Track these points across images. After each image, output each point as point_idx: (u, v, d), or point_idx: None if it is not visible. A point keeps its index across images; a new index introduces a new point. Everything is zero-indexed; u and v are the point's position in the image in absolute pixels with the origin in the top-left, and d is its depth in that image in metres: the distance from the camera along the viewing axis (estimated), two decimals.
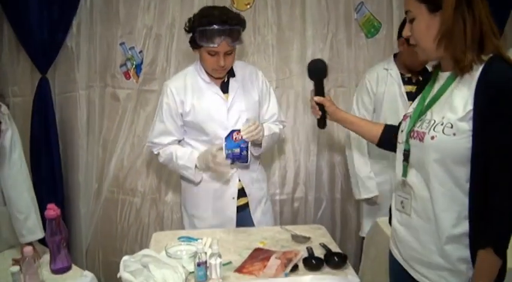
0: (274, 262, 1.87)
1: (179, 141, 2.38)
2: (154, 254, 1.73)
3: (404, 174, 1.53)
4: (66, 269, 1.93)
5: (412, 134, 1.49)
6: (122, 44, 2.98)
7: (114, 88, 3.05)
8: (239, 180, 2.37)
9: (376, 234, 2.38)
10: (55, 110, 2.98)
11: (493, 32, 1.36)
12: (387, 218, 2.41)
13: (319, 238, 2.15)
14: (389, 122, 2.57)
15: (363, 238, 2.75)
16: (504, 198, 1.30)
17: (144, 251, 1.74)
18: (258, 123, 2.25)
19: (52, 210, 1.86)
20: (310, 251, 2.00)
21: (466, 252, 1.39)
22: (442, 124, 1.38)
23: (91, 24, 2.94)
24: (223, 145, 2.17)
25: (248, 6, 3.01)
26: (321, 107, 1.86)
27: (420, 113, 1.50)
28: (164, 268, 1.69)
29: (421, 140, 1.44)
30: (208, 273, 1.75)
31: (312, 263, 1.91)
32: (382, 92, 2.67)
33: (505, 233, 1.33)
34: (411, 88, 2.64)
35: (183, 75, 2.32)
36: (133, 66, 3.01)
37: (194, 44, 2.20)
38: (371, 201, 2.81)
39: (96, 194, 3.17)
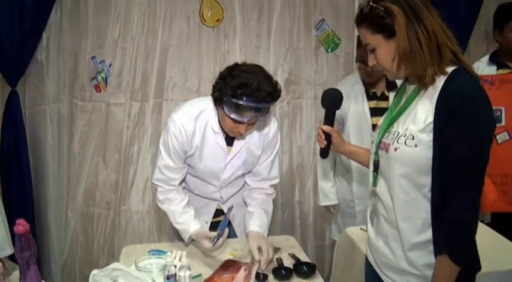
0: (242, 274, 1.89)
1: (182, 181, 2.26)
2: (123, 268, 1.73)
3: (375, 183, 1.58)
4: None
5: (380, 145, 1.54)
6: (92, 57, 3.01)
7: (83, 101, 3.07)
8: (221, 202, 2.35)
9: (345, 243, 2.42)
10: (25, 123, 2.96)
11: (448, 38, 1.41)
12: (357, 227, 2.49)
13: (289, 248, 2.18)
14: (352, 138, 2.73)
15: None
16: (459, 206, 1.34)
17: (114, 265, 1.74)
18: (271, 248, 2.04)
19: (21, 226, 1.83)
20: (280, 261, 2.03)
21: (432, 258, 1.42)
22: (404, 136, 1.42)
23: (61, 37, 2.95)
24: (218, 230, 2.00)
25: (218, 23, 3.10)
26: (327, 136, 1.78)
27: (388, 125, 1.54)
28: (133, 281, 1.70)
29: (387, 151, 1.48)
30: None
31: (281, 273, 1.94)
32: (347, 107, 2.72)
33: (461, 241, 1.37)
34: (375, 104, 2.72)
35: (194, 117, 2.07)
36: (104, 79, 3.03)
37: (219, 104, 1.97)
38: (329, 209, 2.95)
39: (70, 208, 3.16)
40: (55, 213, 3.12)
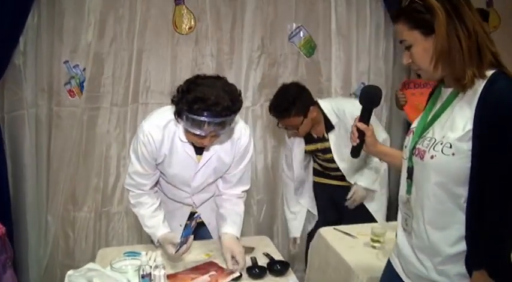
0: (205, 279, 1.91)
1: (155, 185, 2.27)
2: (99, 268, 1.76)
3: (409, 191, 1.50)
4: None
5: (414, 151, 1.47)
6: (65, 62, 3.04)
7: (60, 106, 3.09)
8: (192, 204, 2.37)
9: (319, 244, 2.47)
10: (3, 128, 2.96)
11: (489, 39, 1.34)
12: (331, 228, 2.55)
13: (263, 248, 2.23)
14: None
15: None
16: (499, 221, 1.29)
17: (89, 265, 1.76)
18: (244, 254, 2.07)
19: None
20: (253, 260, 2.07)
21: (463, 268, 1.38)
22: (441, 143, 1.35)
23: (38, 42, 2.95)
24: (180, 238, 2.01)
25: (190, 31, 3.18)
26: (361, 135, 1.70)
27: (423, 130, 1.47)
28: (109, 281, 1.73)
29: (422, 158, 1.41)
30: None
31: (255, 272, 1.98)
32: (296, 152, 2.89)
33: (499, 256, 1.31)
34: (314, 146, 2.85)
35: (162, 126, 2.06)
36: (78, 84, 3.07)
37: (178, 117, 1.92)
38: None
39: (50, 212, 3.17)
40: (34, 218, 3.12)
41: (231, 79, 3.11)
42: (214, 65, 3.20)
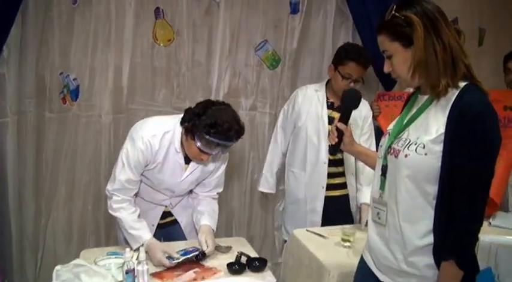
0: (189, 275, 2.02)
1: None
2: (85, 264, 1.83)
3: (382, 187, 1.62)
4: None
5: (389, 150, 1.58)
6: (61, 73, 3.13)
7: (52, 113, 3.16)
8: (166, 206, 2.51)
9: (293, 244, 2.58)
10: None
11: (463, 53, 1.47)
12: (303, 229, 2.66)
13: (240, 247, 2.34)
14: (310, 140, 2.92)
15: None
16: (465, 217, 1.41)
17: (76, 261, 1.83)
18: (214, 244, 2.28)
19: None
20: (239, 255, 2.19)
21: (431, 260, 1.49)
22: (415, 144, 1.48)
23: (22, 50, 2.98)
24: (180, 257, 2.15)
25: (169, 42, 3.31)
26: (340, 134, 1.80)
27: (398, 132, 1.59)
28: (95, 276, 1.79)
29: (396, 156, 1.53)
30: (136, 280, 1.86)
31: (235, 268, 2.10)
32: (306, 110, 2.95)
33: (465, 247, 1.44)
34: (330, 112, 2.93)
35: (160, 136, 2.23)
36: (68, 92, 3.15)
37: (189, 134, 2.15)
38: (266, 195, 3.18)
39: (43, 215, 3.25)
40: (20, 223, 3.16)
41: (205, 88, 3.38)
42: (188, 74, 3.36)
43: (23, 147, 3.10)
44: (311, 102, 2.94)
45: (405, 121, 1.60)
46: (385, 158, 1.61)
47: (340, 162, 2.97)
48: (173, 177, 2.33)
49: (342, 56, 2.77)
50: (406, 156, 1.50)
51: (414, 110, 1.59)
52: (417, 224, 1.51)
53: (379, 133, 3.24)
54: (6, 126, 3.00)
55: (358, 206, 2.99)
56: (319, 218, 2.96)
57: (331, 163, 2.94)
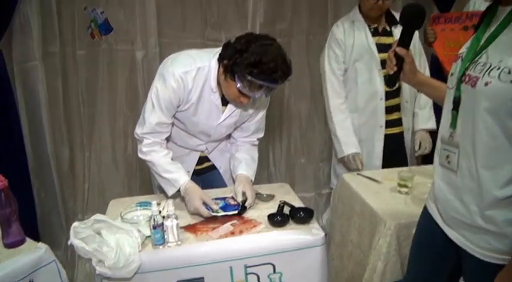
0: (226, 228, 1.81)
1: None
2: (106, 219, 1.64)
3: (453, 124, 1.35)
4: (20, 242, 1.81)
5: (464, 78, 1.31)
6: (85, 8, 2.98)
7: (81, 50, 3.05)
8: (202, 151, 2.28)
9: (343, 190, 2.34)
10: (14, 81, 2.82)
11: None
12: (354, 173, 2.41)
13: (283, 195, 2.09)
14: (360, 77, 2.61)
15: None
16: None
17: (96, 216, 1.64)
18: (254, 195, 2.04)
19: None
20: (282, 204, 1.96)
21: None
22: (498, 68, 1.20)
23: None
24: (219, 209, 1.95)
25: None
26: (399, 61, 1.54)
27: (474, 54, 1.31)
28: (118, 233, 1.61)
29: (473, 85, 1.26)
30: (166, 236, 1.68)
31: (277, 220, 1.85)
32: (351, 44, 2.61)
33: None
34: (378, 39, 2.59)
35: (193, 72, 1.96)
36: (96, 26, 3.04)
37: (228, 73, 1.89)
38: (349, 160, 2.68)
39: (85, 157, 3.25)
40: (60, 168, 3.12)
41: (242, 16, 3.13)
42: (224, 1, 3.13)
43: (55, 87, 3.00)
44: (352, 36, 2.61)
45: (483, 41, 1.30)
46: (457, 88, 1.33)
47: (396, 93, 2.65)
48: (209, 120, 2.09)
49: None
50: (486, 84, 1.22)
51: (494, 26, 1.28)
52: (498, 169, 1.23)
53: (434, 63, 2.87)
54: (36, 69, 2.85)
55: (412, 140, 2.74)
56: (379, 161, 2.69)
57: (388, 95, 2.63)
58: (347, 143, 2.63)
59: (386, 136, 2.69)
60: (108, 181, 3.31)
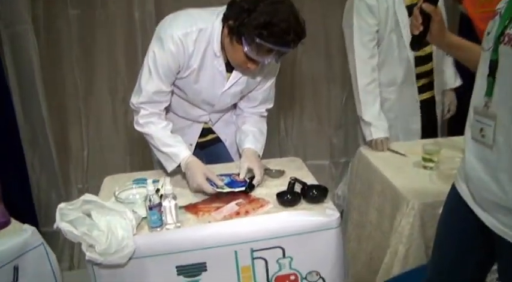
0: (231, 208, 1.66)
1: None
2: (95, 199, 1.47)
3: (489, 92, 1.21)
4: (4, 224, 1.70)
5: (502, 38, 1.17)
6: None
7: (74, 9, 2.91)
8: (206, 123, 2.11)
9: (360, 164, 2.16)
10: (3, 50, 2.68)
11: None
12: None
13: (295, 171, 1.91)
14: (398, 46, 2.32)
15: None
16: None
17: (84, 197, 1.48)
18: (263, 172, 1.87)
19: None
20: (293, 181, 1.76)
21: None
22: None
23: None
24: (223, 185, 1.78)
25: None
26: (426, 20, 1.40)
27: None
28: (109, 215, 1.46)
29: None
30: (163, 217, 1.52)
31: (287, 199, 1.68)
32: (376, 11, 2.25)
33: None
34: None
35: (194, 35, 1.78)
36: None
37: (234, 34, 1.71)
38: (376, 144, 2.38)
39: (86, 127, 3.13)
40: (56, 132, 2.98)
41: None
42: None
43: (50, 49, 2.89)
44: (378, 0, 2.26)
45: None
46: (495, 50, 1.17)
47: (429, 58, 2.41)
48: (212, 88, 1.93)
49: None
50: None
51: None
52: None
53: (464, 23, 2.62)
54: (27, 32, 2.67)
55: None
56: (418, 137, 2.45)
57: (418, 61, 2.36)
58: (376, 126, 2.35)
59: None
60: (109, 147, 3.18)
